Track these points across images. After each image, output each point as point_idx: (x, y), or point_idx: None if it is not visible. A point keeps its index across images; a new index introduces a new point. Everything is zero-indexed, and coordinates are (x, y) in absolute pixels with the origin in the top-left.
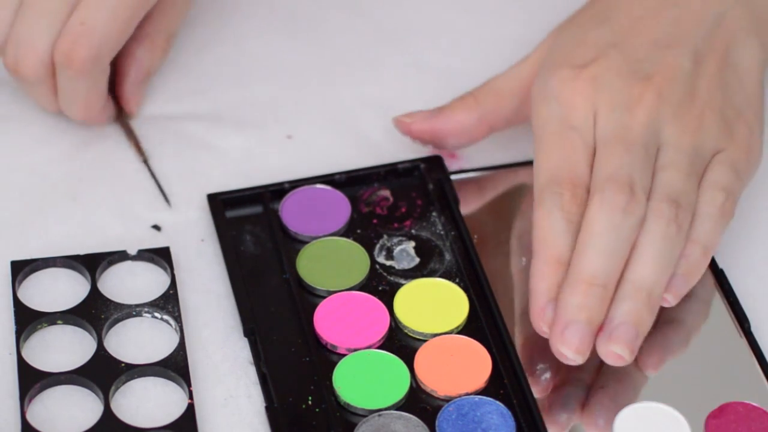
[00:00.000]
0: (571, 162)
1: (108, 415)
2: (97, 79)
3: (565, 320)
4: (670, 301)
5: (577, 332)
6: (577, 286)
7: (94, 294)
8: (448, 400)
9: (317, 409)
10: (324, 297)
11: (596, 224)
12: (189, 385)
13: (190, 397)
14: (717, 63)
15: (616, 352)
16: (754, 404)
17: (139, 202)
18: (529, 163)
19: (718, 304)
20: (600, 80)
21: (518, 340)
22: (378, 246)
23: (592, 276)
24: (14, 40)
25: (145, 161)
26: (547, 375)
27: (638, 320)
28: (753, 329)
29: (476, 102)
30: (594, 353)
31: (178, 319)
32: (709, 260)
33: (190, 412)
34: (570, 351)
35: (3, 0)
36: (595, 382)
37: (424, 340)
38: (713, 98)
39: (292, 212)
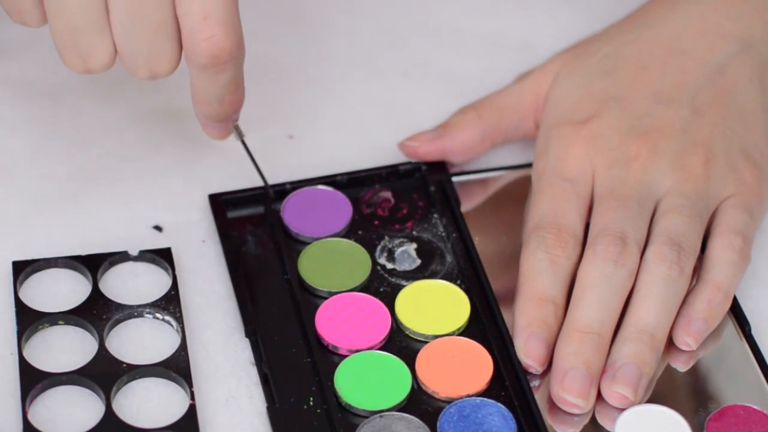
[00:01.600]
0: (560, 209)
1: (109, 416)
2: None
3: (563, 368)
4: (691, 344)
5: (575, 378)
6: (572, 335)
7: (96, 294)
8: (449, 401)
9: (318, 410)
10: (325, 298)
11: (589, 276)
12: (190, 385)
13: (192, 397)
14: (719, 110)
15: (620, 393)
16: (755, 407)
17: (140, 202)
18: (530, 165)
19: None
20: (599, 139)
21: None
22: (379, 247)
23: (586, 325)
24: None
25: (242, 139)
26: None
27: (641, 361)
28: (753, 332)
29: (480, 119)
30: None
31: (179, 319)
32: (729, 304)
33: (191, 413)
34: (571, 396)
35: (100, 27)
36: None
37: (426, 342)
38: (716, 145)
39: (293, 213)
